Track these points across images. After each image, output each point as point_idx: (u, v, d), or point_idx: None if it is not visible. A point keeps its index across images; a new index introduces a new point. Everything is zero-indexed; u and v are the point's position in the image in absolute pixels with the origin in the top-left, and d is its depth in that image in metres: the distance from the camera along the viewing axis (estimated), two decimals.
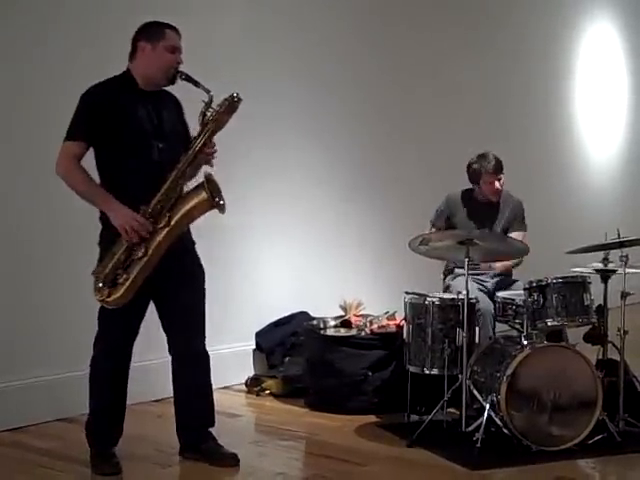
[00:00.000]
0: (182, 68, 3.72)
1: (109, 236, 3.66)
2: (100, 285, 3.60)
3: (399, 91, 6.61)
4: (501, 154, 5.02)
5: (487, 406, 4.08)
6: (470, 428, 4.13)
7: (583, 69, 8.90)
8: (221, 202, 3.66)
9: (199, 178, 3.74)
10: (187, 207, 3.64)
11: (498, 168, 4.91)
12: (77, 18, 4.60)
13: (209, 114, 3.64)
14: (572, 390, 4.08)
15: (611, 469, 4.06)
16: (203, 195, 3.63)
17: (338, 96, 6.14)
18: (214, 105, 3.64)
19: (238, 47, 5.41)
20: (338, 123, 6.15)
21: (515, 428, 4.02)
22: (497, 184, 4.92)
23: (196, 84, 3.66)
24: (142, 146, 3.67)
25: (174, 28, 3.75)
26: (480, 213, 4.98)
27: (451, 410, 4.40)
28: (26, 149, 4.42)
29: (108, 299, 3.60)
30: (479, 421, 4.08)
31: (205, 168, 3.79)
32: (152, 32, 3.71)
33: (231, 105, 3.67)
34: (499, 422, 4.08)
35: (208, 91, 3.63)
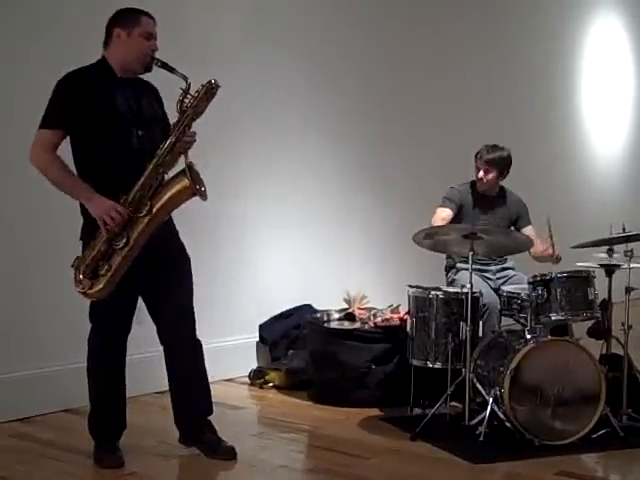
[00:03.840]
0: (158, 55, 3.60)
1: (91, 229, 3.57)
2: (81, 277, 3.53)
3: (404, 86, 6.60)
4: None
5: (490, 400, 4.08)
6: (473, 422, 4.14)
7: (588, 63, 8.88)
8: (202, 189, 3.58)
9: (179, 166, 3.63)
10: (168, 195, 3.55)
11: (489, 160, 4.89)
12: (77, 16, 4.57)
13: (187, 101, 3.55)
14: (575, 384, 4.08)
15: (614, 463, 4.06)
16: (185, 182, 3.53)
17: (343, 90, 6.13)
18: (192, 92, 3.54)
19: (238, 46, 5.38)
20: (342, 116, 6.14)
21: (518, 422, 4.02)
22: (480, 173, 4.93)
23: (172, 70, 3.56)
24: (121, 133, 3.58)
25: (149, 14, 3.64)
26: (483, 203, 4.99)
27: (454, 404, 4.41)
28: (24, 147, 4.38)
29: (90, 291, 3.54)
30: (482, 415, 4.09)
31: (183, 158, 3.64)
32: (127, 19, 3.61)
33: (209, 91, 3.57)
34: (502, 416, 4.08)
35: (185, 78, 3.53)
